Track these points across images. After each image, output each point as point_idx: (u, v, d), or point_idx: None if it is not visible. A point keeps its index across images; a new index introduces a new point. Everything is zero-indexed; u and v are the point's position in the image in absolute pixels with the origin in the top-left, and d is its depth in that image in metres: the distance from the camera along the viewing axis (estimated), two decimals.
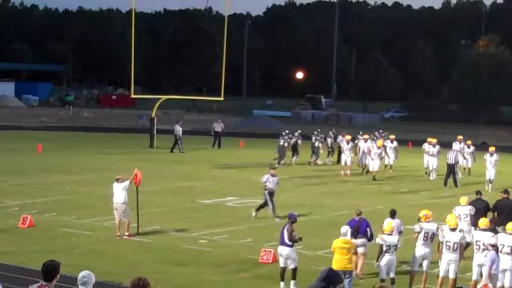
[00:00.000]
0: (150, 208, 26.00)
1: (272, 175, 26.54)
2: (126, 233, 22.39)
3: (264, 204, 26.31)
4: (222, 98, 51.48)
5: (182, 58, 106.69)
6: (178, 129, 48.49)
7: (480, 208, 21.90)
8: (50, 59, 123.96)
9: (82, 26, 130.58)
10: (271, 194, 26.28)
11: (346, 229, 17.08)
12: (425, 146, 40.11)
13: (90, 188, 31.71)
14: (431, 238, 17.64)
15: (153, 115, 50.88)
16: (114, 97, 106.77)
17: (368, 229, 18.65)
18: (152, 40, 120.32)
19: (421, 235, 17.61)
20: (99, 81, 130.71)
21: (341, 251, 16.72)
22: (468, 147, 41.08)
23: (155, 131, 50.33)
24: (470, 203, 21.77)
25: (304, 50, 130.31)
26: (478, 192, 23.25)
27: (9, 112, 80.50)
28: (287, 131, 45.16)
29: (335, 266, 16.35)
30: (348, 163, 39.73)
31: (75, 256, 19.72)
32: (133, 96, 59.62)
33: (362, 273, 18.50)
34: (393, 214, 19.82)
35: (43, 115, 78.62)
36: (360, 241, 18.41)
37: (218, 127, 51.49)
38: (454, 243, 16.93)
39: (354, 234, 18.31)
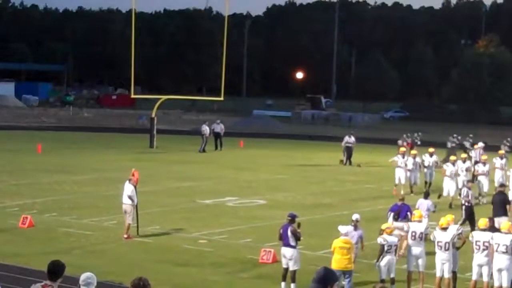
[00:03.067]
0: (150, 208, 26.00)
1: (469, 188, 25.01)
2: (125, 235, 22.30)
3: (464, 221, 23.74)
4: (222, 98, 51.49)
5: (182, 58, 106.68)
6: (205, 129, 48.84)
7: (501, 200, 22.83)
8: (50, 59, 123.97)
9: (82, 26, 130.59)
10: (469, 209, 24.22)
11: (346, 229, 17.07)
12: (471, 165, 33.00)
13: (90, 188, 31.73)
14: (420, 237, 17.76)
15: (153, 115, 50.88)
16: (114, 97, 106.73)
17: (408, 213, 20.35)
18: (152, 40, 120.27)
19: (409, 235, 17.77)
20: (99, 81, 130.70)
21: (341, 251, 16.72)
22: (501, 157, 34.09)
23: (155, 131, 50.32)
24: (495, 194, 23.56)
25: (304, 50, 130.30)
26: (502, 185, 23.99)
27: (9, 112, 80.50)
28: (455, 135, 44.34)
29: (335, 266, 16.36)
30: (403, 181, 33.11)
31: (75, 256, 19.72)
32: (133, 96, 59.62)
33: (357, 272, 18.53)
34: (426, 195, 23.38)
35: (43, 115, 78.63)
36: (400, 224, 19.98)
37: (218, 128, 50.91)
38: (445, 243, 17.01)
39: (395, 218, 20.68)
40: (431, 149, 34.91)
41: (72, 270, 11.36)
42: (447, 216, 18.11)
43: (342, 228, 17.07)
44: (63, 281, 9.65)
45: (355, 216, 18.47)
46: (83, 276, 9.51)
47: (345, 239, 16.84)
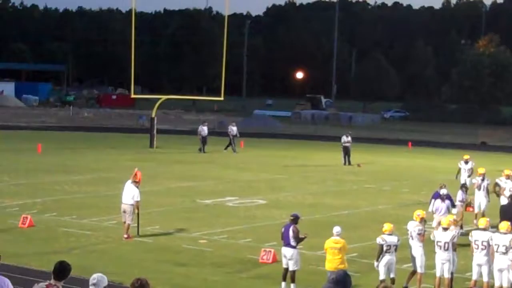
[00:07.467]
0: (150, 208, 25.99)
1: None
2: (125, 235, 22.28)
3: None
4: (222, 98, 51.50)
5: (182, 58, 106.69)
6: (202, 129, 48.05)
7: None
8: (50, 59, 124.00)
9: (82, 26, 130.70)
10: None
11: (338, 229, 17.01)
12: None
13: (90, 188, 31.71)
14: (411, 236, 17.76)
15: (153, 115, 50.88)
16: (114, 97, 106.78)
17: (448, 200, 22.66)
18: (152, 40, 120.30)
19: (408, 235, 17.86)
20: (99, 81, 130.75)
21: (332, 251, 16.68)
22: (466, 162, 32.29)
23: (155, 131, 50.32)
24: None
25: (304, 50, 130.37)
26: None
27: (9, 112, 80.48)
28: None
29: (327, 266, 16.41)
30: (483, 207, 25.96)
31: (75, 256, 19.70)
32: (133, 96, 59.62)
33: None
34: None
35: (43, 115, 78.62)
36: None
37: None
38: (445, 243, 17.04)
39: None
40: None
41: (72, 270, 11.36)
42: (448, 216, 18.12)
43: (335, 228, 17.03)
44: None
45: (443, 191, 22.04)
46: (92, 276, 9.52)
47: (335, 239, 16.78)
